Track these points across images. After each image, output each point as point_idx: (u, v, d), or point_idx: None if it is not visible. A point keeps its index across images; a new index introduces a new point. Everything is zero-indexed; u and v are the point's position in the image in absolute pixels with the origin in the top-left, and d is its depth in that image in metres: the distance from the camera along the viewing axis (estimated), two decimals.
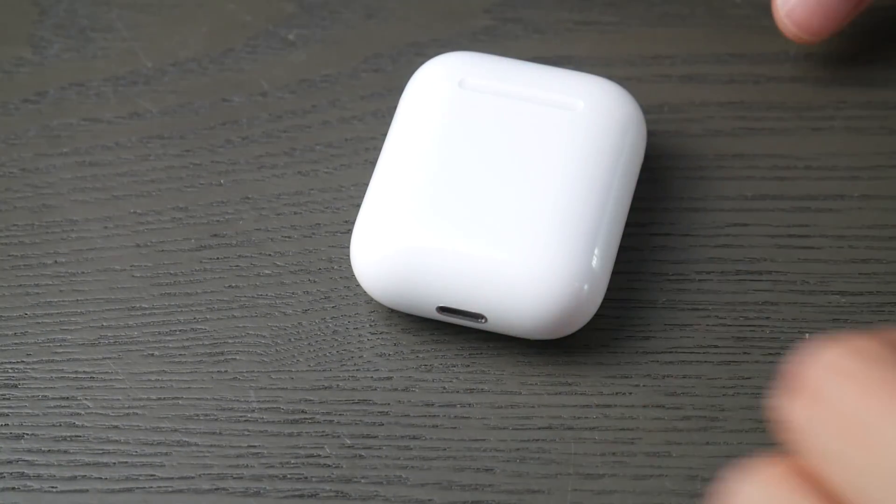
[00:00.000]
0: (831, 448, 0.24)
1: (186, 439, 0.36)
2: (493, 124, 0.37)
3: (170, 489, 0.36)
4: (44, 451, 0.36)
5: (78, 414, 0.37)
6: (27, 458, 0.36)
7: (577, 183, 0.37)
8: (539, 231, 0.36)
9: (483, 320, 0.36)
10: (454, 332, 0.37)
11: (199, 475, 0.36)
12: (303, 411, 0.37)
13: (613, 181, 0.37)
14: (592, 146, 0.37)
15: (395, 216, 0.36)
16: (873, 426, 0.23)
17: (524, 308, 0.35)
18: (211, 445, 0.36)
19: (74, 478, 0.36)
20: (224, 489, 0.35)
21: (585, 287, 0.36)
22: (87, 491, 0.36)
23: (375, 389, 0.37)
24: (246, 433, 0.36)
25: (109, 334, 0.38)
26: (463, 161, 0.37)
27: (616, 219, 0.37)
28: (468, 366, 0.37)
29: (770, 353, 0.37)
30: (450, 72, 0.39)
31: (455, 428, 0.36)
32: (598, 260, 0.36)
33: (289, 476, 0.36)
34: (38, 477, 0.36)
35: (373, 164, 0.38)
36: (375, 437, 0.36)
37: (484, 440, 0.36)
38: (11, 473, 0.36)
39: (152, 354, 0.38)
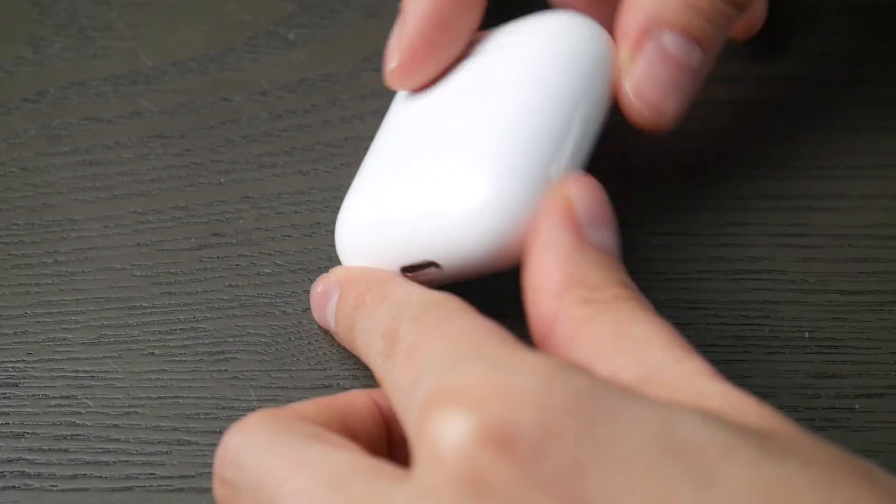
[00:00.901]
0: (394, 377, 0.29)
1: (187, 438, 0.36)
2: (449, 80, 0.37)
3: (170, 488, 0.36)
4: (44, 450, 0.36)
5: (78, 413, 0.37)
6: (28, 456, 0.36)
7: (529, 103, 0.35)
8: (479, 157, 0.34)
9: (437, 267, 0.35)
10: None
11: (200, 474, 0.36)
12: None
13: (569, 103, 0.36)
14: (544, 70, 0.36)
15: (360, 196, 0.37)
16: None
17: (470, 242, 0.33)
18: (211, 444, 0.36)
19: (75, 476, 0.36)
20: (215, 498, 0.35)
21: (527, 201, 0.33)
22: (87, 490, 0.36)
23: (376, 388, 0.37)
24: None
25: (110, 333, 0.38)
26: (416, 125, 0.37)
27: (576, 142, 0.35)
28: None
29: (770, 353, 0.37)
30: None
31: None
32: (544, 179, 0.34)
33: None
34: (39, 476, 0.36)
35: None
36: None
37: None
38: (12, 472, 0.36)
39: (153, 353, 0.38)
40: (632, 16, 0.36)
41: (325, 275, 0.36)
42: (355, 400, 0.32)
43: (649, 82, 0.36)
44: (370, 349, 0.32)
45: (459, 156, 0.34)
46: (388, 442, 0.32)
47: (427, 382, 0.27)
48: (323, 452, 0.28)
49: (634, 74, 0.36)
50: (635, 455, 0.25)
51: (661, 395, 0.27)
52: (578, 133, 0.35)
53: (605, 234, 0.32)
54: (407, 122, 0.38)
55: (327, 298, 0.36)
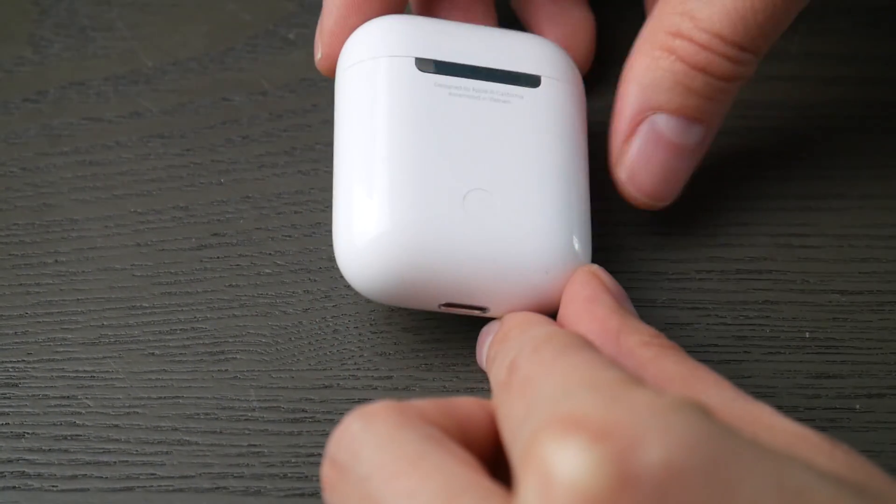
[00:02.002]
0: (508, 405, 0.29)
1: (187, 438, 0.36)
2: (455, 109, 0.36)
3: (170, 488, 0.36)
4: (44, 450, 0.36)
5: (78, 413, 0.37)
6: (28, 457, 0.36)
7: (551, 160, 0.36)
8: (528, 214, 0.35)
9: (486, 311, 0.35)
10: (455, 330, 0.37)
11: (200, 474, 0.36)
12: (303, 410, 0.37)
13: (579, 150, 0.37)
14: (554, 121, 0.37)
15: (385, 216, 0.34)
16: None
17: (524, 292, 0.35)
18: (211, 444, 0.36)
19: (75, 477, 0.36)
20: (225, 488, 0.36)
21: (575, 245, 0.35)
22: (87, 490, 0.36)
23: (376, 388, 0.37)
24: (246, 432, 0.36)
25: (110, 333, 0.38)
26: (437, 151, 0.35)
27: (585, 182, 0.37)
28: (468, 365, 0.37)
29: (770, 352, 0.37)
30: (390, 43, 0.37)
31: None
32: (581, 223, 0.36)
33: (289, 475, 0.36)
34: (39, 476, 0.36)
35: None
36: None
37: None
38: (12, 472, 0.36)
39: (153, 353, 0.38)
40: (625, 100, 0.36)
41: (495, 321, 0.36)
42: (474, 409, 0.31)
43: (643, 168, 0.37)
44: (496, 380, 0.32)
45: (512, 208, 0.35)
46: (495, 461, 0.31)
47: (540, 411, 0.26)
48: (440, 460, 0.28)
49: (628, 159, 0.37)
50: (756, 499, 0.25)
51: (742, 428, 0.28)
52: (585, 178, 0.37)
53: (630, 308, 0.34)
54: (420, 143, 0.35)
55: (486, 337, 0.36)
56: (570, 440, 0.24)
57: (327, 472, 0.30)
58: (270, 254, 0.39)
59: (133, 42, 0.44)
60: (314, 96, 0.42)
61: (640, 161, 0.36)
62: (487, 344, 0.35)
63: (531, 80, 0.37)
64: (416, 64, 0.36)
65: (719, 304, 0.38)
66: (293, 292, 0.39)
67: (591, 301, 0.33)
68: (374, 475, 0.28)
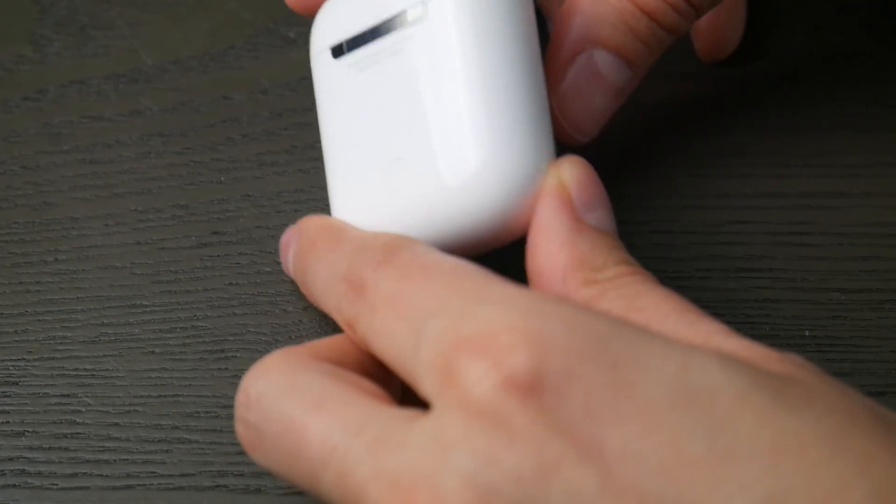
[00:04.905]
0: (378, 326, 0.30)
1: (187, 436, 0.36)
2: (365, 85, 0.35)
3: (171, 486, 0.36)
4: (44, 449, 0.36)
5: (79, 411, 0.37)
6: (28, 455, 0.36)
7: (453, 90, 0.33)
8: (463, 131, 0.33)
9: None
10: None
11: (200, 472, 0.36)
12: None
13: (497, 62, 0.33)
14: (453, 50, 0.33)
15: (346, 196, 0.35)
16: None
17: (468, 214, 0.33)
18: (212, 442, 0.36)
19: (75, 475, 0.36)
20: (225, 486, 0.36)
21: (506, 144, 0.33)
22: (87, 488, 0.36)
23: None
24: None
25: (110, 331, 0.38)
26: (359, 137, 0.35)
27: (521, 89, 0.33)
28: None
29: None
30: (316, 38, 0.36)
31: None
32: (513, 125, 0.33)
33: None
34: (39, 474, 0.36)
35: None
36: None
37: None
38: (12, 471, 0.36)
39: (153, 352, 0.38)
40: (567, 27, 0.36)
41: (291, 225, 0.37)
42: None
43: (574, 99, 0.36)
44: (328, 295, 0.32)
45: (438, 135, 0.33)
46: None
47: (437, 329, 0.27)
48: (341, 395, 0.29)
49: (561, 88, 0.36)
50: (651, 400, 0.25)
51: None
52: (535, 78, 0.33)
53: (602, 215, 0.32)
54: (348, 125, 0.35)
55: (288, 248, 0.36)
56: (480, 359, 0.26)
57: (243, 433, 0.31)
58: (271, 252, 0.39)
59: (133, 40, 0.44)
60: (314, 95, 0.42)
61: (571, 91, 0.36)
62: (290, 253, 0.36)
63: (418, 15, 0.34)
64: (332, 54, 0.36)
65: (719, 302, 0.38)
66: (293, 291, 0.39)
67: (544, 228, 0.32)
68: (287, 431, 0.29)
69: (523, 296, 0.28)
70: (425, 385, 0.28)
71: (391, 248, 0.31)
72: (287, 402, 0.29)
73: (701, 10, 0.36)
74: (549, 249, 0.32)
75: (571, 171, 0.32)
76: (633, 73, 0.36)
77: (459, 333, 0.27)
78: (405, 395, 0.31)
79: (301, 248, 0.35)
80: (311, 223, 0.35)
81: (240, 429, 0.31)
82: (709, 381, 0.26)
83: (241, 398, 0.30)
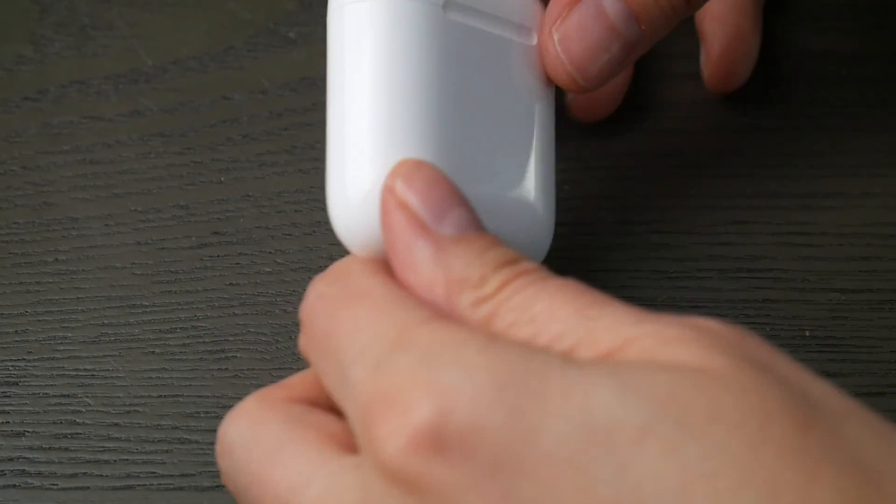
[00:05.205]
0: (319, 365, 0.29)
1: (187, 437, 0.36)
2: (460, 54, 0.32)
3: (171, 486, 0.36)
4: (45, 449, 0.36)
5: (79, 411, 0.37)
6: (28, 455, 0.36)
7: (531, 116, 0.34)
8: (515, 165, 0.34)
9: None
10: None
11: (201, 472, 0.36)
12: None
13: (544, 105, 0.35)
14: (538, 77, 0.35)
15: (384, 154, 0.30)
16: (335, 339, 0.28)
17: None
18: (212, 443, 0.36)
19: (75, 475, 0.36)
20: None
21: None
22: (87, 488, 0.36)
23: None
24: None
25: (110, 332, 0.38)
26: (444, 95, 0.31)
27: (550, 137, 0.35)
28: None
29: None
30: None
31: None
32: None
33: None
34: (39, 474, 0.36)
35: None
36: None
37: None
38: (12, 471, 0.36)
39: (153, 352, 0.38)
40: None
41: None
42: None
43: (578, 36, 0.35)
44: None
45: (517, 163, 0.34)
46: None
47: (357, 380, 0.27)
48: (295, 447, 0.28)
49: (565, 25, 0.35)
50: (555, 446, 0.24)
51: (589, 357, 0.26)
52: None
53: (459, 215, 0.29)
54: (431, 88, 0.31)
55: None
56: (388, 420, 0.25)
57: (224, 479, 0.30)
58: (271, 252, 0.39)
59: (133, 41, 0.44)
60: (314, 95, 0.42)
61: (576, 29, 0.35)
62: None
63: (526, 33, 0.35)
64: (443, 6, 0.32)
65: (719, 302, 0.38)
66: (294, 291, 0.39)
67: (405, 266, 0.29)
68: (250, 484, 0.29)
69: (433, 335, 0.26)
70: (356, 436, 0.27)
71: (332, 277, 0.30)
72: (250, 454, 0.29)
73: None
74: (421, 284, 0.28)
75: (405, 181, 0.29)
76: (639, 31, 0.35)
77: (374, 388, 0.26)
78: None
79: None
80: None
81: (222, 476, 0.30)
82: (609, 416, 0.24)
83: (218, 447, 0.30)
